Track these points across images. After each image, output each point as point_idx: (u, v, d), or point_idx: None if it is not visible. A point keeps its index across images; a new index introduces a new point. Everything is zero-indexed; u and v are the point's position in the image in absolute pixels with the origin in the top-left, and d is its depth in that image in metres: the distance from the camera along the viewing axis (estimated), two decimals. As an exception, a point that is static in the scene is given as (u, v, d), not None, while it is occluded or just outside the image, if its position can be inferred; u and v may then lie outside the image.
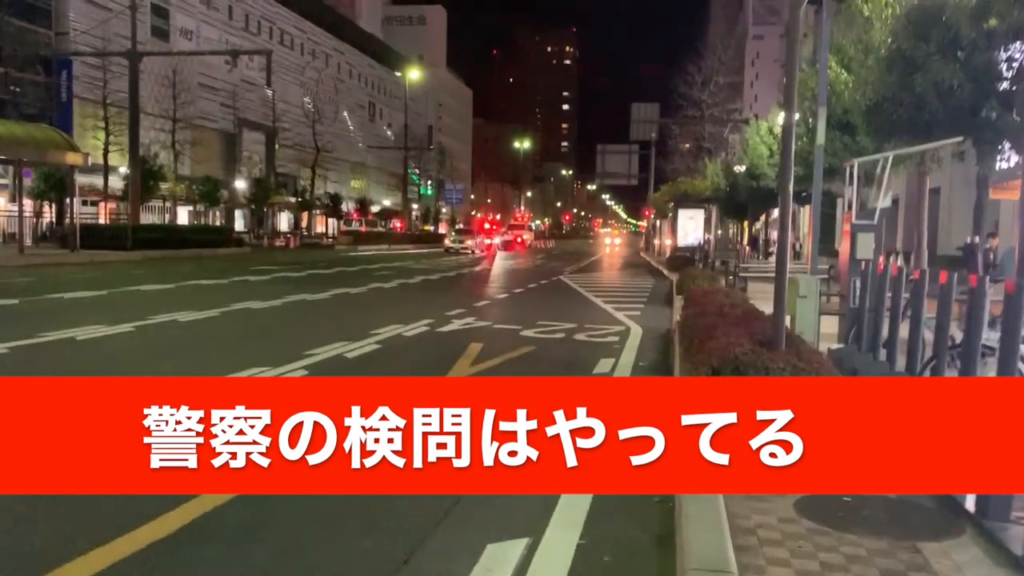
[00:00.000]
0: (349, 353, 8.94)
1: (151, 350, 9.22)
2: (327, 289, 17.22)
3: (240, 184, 67.05)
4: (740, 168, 37.87)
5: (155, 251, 26.44)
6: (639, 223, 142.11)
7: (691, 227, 41.80)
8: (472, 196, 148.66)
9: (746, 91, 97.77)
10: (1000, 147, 10.47)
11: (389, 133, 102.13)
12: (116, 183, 50.95)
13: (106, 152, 51.77)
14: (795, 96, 5.40)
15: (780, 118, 23.53)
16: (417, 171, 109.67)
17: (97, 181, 53.13)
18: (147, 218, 58.07)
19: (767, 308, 10.26)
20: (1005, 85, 8.94)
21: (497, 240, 57.44)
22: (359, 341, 9.81)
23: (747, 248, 19.51)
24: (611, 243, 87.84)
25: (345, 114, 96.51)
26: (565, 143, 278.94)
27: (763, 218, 42.42)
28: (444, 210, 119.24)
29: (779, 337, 5.25)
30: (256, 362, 8.02)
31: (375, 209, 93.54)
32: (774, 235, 46.99)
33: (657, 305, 16.93)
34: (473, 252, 47.32)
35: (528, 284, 22.06)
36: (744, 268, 18.77)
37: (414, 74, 73.42)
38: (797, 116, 21.60)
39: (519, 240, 65.73)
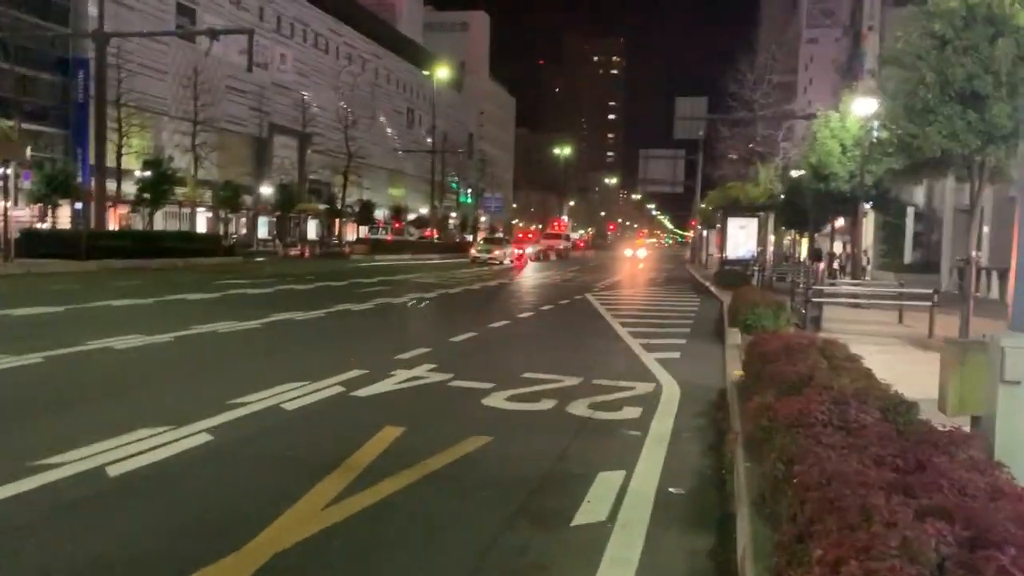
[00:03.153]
0: (117, 466, 4.86)
1: None
2: (271, 314, 13.26)
3: (265, 190, 64.14)
4: (798, 173, 33.30)
5: (118, 260, 22.87)
6: (686, 234, 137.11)
7: (742, 237, 37.28)
8: (514, 205, 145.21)
9: (799, 96, 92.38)
10: None
11: (428, 140, 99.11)
12: (131, 188, 47.96)
13: (119, 155, 49.10)
14: None
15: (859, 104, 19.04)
16: (456, 179, 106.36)
17: (110, 185, 50.48)
18: (167, 224, 55.43)
19: (892, 375, 5.97)
20: None
21: (529, 250, 53.24)
22: (192, 424, 5.76)
23: (818, 265, 15.21)
24: (633, 255, 68.04)
25: (383, 119, 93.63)
26: (611, 153, 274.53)
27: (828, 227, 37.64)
28: (484, 219, 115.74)
29: None
30: None
31: (412, 217, 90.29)
32: (835, 247, 42.07)
33: (703, 340, 12.63)
34: (501, 263, 43.23)
35: (543, 305, 17.87)
36: (817, 291, 14.39)
37: (442, 72, 69.76)
38: (875, 108, 16.91)
39: (555, 250, 61.44)
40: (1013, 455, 3.79)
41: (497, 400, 7.23)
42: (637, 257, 66.26)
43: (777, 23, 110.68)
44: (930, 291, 13.82)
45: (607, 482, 4.88)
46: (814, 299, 14.06)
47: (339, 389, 7.38)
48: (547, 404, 7.16)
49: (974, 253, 12.21)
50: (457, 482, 4.80)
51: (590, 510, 4.39)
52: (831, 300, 15.25)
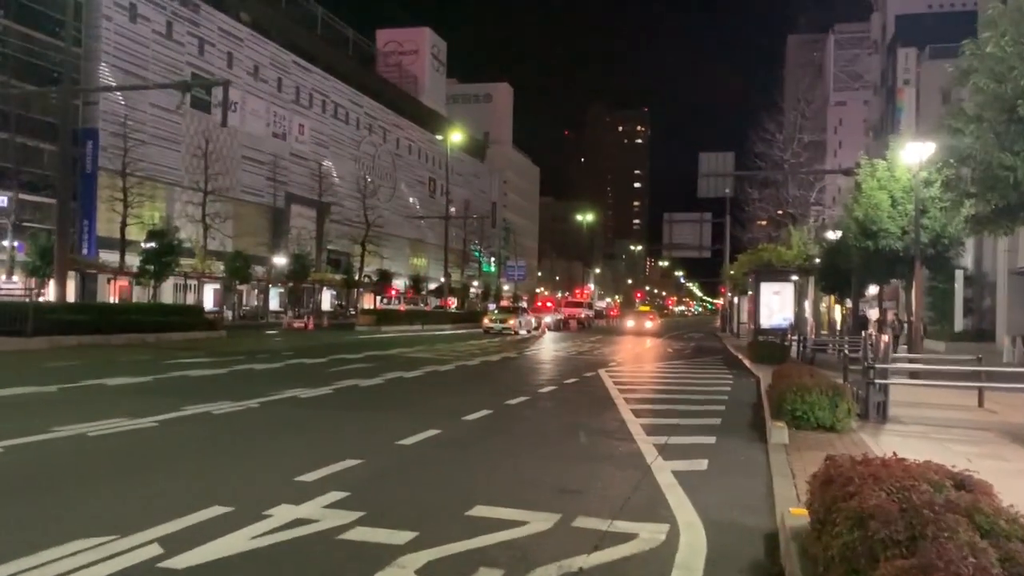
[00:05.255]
0: None
1: None
2: (190, 405, 10.53)
3: (279, 260, 62.33)
4: (835, 234, 30.53)
5: (73, 336, 20.43)
6: (716, 301, 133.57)
7: (777, 304, 34.06)
8: (539, 273, 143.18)
9: (829, 159, 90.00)
10: None
11: (452, 209, 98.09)
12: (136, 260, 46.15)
13: (123, 225, 47.59)
14: None
15: (909, 151, 16.39)
16: (479, 247, 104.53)
17: (114, 258, 48.87)
18: (176, 296, 53.57)
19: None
20: None
21: (548, 319, 50.35)
22: None
23: (882, 336, 12.20)
24: (637, 324, 57.59)
25: (404, 188, 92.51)
26: (637, 220, 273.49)
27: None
28: (507, 287, 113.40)
29: None
30: None
31: (433, 286, 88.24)
32: (872, 313, 38.79)
33: (738, 437, 9.70)
34: (516, 333, 40.42)
35: (544, 386, 14.99)
36: (882, 370, 11.34)
37: (457, 137, 68.24)
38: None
39: (577, 318, 58.44)
40: None
41: (405, 574, 4.38)
42: (644, 329, 54.00)
43: (802, 88, 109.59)
44: (975, 358, 10.78)
45: None
46: (879, 380, 11.09)
47: (152, 552, 4.57)
48: (485, 581, 4.30)
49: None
50: None
51: None
52: (898, 382, 12.22)
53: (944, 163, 10.59)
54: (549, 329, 48.59)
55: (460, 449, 8.41)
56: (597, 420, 10.89)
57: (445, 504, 5.93)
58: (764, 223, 52.90)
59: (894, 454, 4.35)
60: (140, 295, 48.11)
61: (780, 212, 49.26)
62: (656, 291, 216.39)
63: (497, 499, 6.08)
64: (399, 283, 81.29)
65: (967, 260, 38.20)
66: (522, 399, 12.78)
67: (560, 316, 55.69)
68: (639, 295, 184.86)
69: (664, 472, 7.39)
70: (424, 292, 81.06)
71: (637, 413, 11.49)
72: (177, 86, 26.50)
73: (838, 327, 41.08)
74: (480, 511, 5.72)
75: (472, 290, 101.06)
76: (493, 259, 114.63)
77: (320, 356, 20.31)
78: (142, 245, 45.43)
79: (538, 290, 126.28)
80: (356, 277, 69.98)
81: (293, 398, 11.82)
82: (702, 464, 7.89)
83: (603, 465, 7.75)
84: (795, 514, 5.32)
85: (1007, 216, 9.67)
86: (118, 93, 51.72)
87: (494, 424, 10.18)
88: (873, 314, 38.87)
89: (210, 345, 23.23)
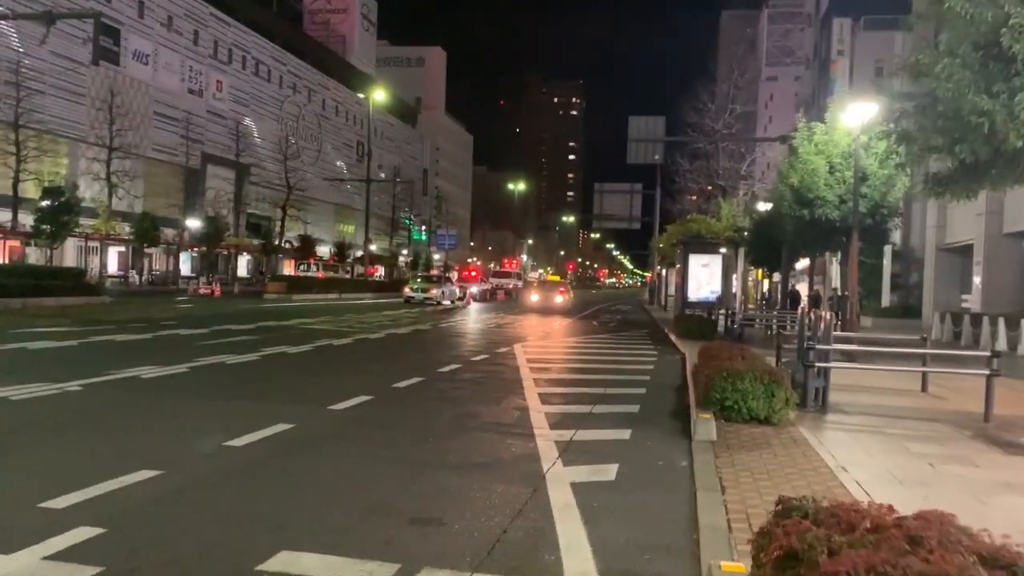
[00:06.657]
0: None
1: None
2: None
3: (193, 223, 58.87)
4: (765, 206, 29.46)
5: (-84, 303, 17.83)
6: (646, 274, 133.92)
7: (705, 277, 33.05)
8: (472, 244, 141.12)
9: (760, 133, 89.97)
10: None
11: (381, 174, 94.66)
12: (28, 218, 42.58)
13: (16, 181, 43.82)
14: None
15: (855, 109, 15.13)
16: (410, 215, 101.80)
17: (5, 215, 45.07)
18: (79, 260, 49.93)
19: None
20: None
21: (474, 289, 48.62)
22: None
23: (823, 313, 10.88)
24: (541, 299, 39.77)
25: (330, 151, 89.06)
26: (571, 192, 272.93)
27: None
28: (437, 256, 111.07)
29: None
30: None
31: (360, 254, 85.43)
32: (802, 288, 38.18)
33: (657, 432, 8.11)
34: (439, 303, 38.54)
35: (446, 364, 13.22)
36: (822, 351, 9.90)
37: (380, 95, 65.53)
38: (868, 122, 12.53)
39: (505, 289, 56.84)
40: None
41: None
42: (553, 306, 39.18)
43: (736, 61, 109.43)
44: (986, 354, 9.49)
45: None
46: (819, 363, 9.67)
47: None
48: None
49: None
50: None
51: None
52: (838, 365, 10.85)
53: (902, 112, 9.11)
54: (475, 299, 46.87)
55: (306, 453, 6.57)
56: (495, 408, 9.18)
57: (237, 548, 4.14)
58: (694, 196, 52.04)
59: (888, 505, 2.72)
60: (38, 257, 44.60)
61: (711, 188, 48.36)
62: (589, 263, 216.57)
63: (318, 538, 4.31)
64: (324, 250, 78.35)
65: (895, 235, 37.86)
66: (414, 381, 10.98)
67: (487, 286, 53.98)
68: (571, 267, 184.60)
69: (561, 486, 5.73)
70: (350, 259, 78.35)
71: (545, 398, 9.86)
72: (40, 17, 23.43)
73: (767, 300, 40.38)
74: (281, 561, 3.94)
75: (402, 258, 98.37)
76: (424, 227, 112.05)
77: (204, 326, 18.10)
78: (40, 204, 41.86)
79: (470, 260, 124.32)
80: (276, 242, 66.86)
81: (133, 378, 9.77)
82: (610, 471, 6.26)
83: (484, 476, 6.03)
84: (727, 571, 3.70)
85: (972, 175, 8.23)
86: (15, 40, 47.66)
87: (367, 416, 8.36)
88: (803, 288, 38.27)
89: (85, 312, 20.74)
